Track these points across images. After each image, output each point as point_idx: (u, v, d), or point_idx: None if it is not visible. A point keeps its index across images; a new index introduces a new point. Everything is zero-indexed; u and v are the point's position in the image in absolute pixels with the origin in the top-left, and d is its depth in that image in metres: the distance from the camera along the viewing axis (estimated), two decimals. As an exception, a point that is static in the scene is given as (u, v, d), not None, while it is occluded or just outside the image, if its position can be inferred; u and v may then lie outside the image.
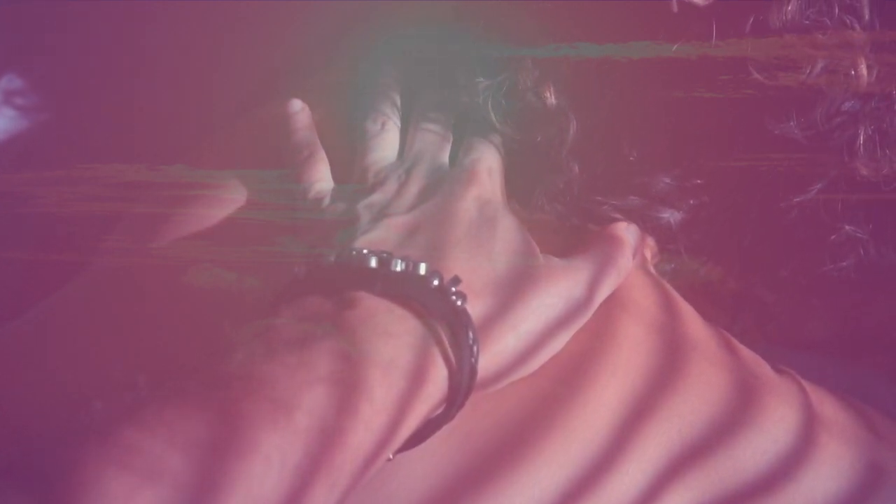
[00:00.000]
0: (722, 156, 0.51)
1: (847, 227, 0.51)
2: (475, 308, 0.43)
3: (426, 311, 0.42)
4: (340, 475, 0.38)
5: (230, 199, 0.51)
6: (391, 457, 0.42)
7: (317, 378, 0.38)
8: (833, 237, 0.51)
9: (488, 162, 0.51)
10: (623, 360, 0.47)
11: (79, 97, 0.70)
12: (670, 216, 0.52)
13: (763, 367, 0.50)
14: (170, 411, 0.36)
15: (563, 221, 0.51)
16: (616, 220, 0.51)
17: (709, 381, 0.48)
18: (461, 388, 0.42)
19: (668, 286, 0.51)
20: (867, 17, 0.47)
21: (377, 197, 0.49)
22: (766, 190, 0.51)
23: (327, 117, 0.55)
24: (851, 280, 0.53)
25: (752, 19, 0.47)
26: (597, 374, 0.47)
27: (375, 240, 0.46)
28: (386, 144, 0.52)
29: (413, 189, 0.49)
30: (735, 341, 0.51)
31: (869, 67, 0.47)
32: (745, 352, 0.50)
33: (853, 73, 0.47)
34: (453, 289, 0.43)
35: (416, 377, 0.41)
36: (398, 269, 0.43)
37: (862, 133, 0.48)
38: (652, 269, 0.52)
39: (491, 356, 0.44)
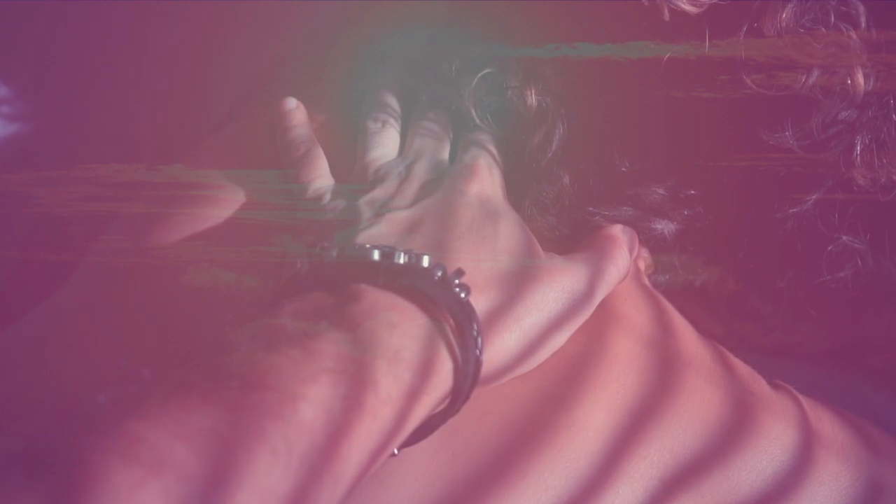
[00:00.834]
0: (716, 166, 0.50)
1: (844, 238, 0.51)
2: (478, 301, 0.44)
3: (430, 303, 0.42)
4: (347, 467, 0.38)
5: (228, 199, 0.52)
6: (396, 452, 0.42)
7: (322, 370, 0.38)
8: (830, 248, 0.51)
9: (488, 158, 0.51)
10: (614, 376, 0.47)
11: (78, 97, 0.70)
12: (664, 227, 0.52)
13: (759, 383, 0.49)
14: (175, 403, 0.36)
15: (554, 232, 0.51)
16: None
17: (703, 399, 0.47)
18: (466, 380, 0.42)
19: (662, 299, 0.51)
20: (863, 25, 0.46)
21: (378, 193, 0.49)
22: (762, 200, 0.51)
23: (325, 116, 0.55)
24: (849, 291, 0.52)
25: (745, 27, 0.46)
26: (586, 391, 0.46)
27: (377, 235, 0.46)
28: (386, 142, 0.53)
29: (414, 185, 0.49)
30: (730, 356, 0.50)
31: (865, 76, 0.46)
32: (741, 367, 0.50)
33: (849, 81, 0.46)
34: (457, 281, 0.43)
35: (422, 369, 0.41)
36: (401, 261, 0.43)
37: (859, 142, 0.48)
38: (646, 281, 0.53)
39: (494, 350, 0.44)
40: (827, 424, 0.49)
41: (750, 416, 0.47)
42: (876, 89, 0.47)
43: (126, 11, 0.69)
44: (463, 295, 0.42)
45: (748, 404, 0.48)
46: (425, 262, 0.43)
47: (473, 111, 0.51)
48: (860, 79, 0.46)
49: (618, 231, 0.51)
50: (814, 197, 0.50)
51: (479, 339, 0.42)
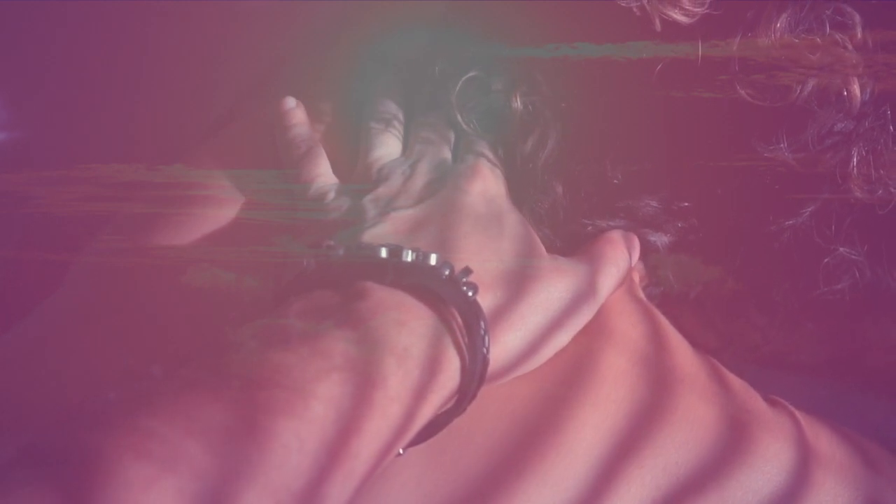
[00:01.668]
0: (709, 178, 0.50)
1: (841, 249, 0.50)
2: (484, 300, 0.44)
3: (438, 301, 0.42)
4: (357, 463, 0.38)
5: (228, 199, 0.52)
6: (401, 451, 0.42)
7: (331, 367, 0.38)
8: (826, 260, 0.50)
9: (491, 158, 0.51)
10: (604, 393, 0.46)
11: (78, 97, 0.70)
12: (657, 239, 0.52)
13: (755, 400, 0.49)
14: (187, 400, 0.36)
15: (550, 244, 0.51)
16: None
17: (696, 417, 0.47)
18: (474, 379, 0.42)
19: (657, 312, 0.51)
20: (859, 35, 0.46)
21: (383, 191, 0.49)
22: (757, 213, 0.50)
23: (325, 116, 0.55)
24: (846, 303, 0.51)
25: (739, 37, 0.46)
26: (575, 409, 0.45)
27: (383, 233, 0.46)
28: (389, 142, 0.53)
29: (418, 184, 0.50)
30: (725, 372, 0.50)
31: (862, 86, 0.46)
32: (736, 383, 0.49)
33: (846, 92, 0.46)
34: (465, 279, 0.43)
35: (430, 367, 0.41)
36: (409, 259, 0.43)
37: (855, 154, 0.47)
38: (641, 294, 0.52)
39: (499, 348, 0.44)
40: (824, 442, 0.49)
41: (745, 435, 0.47)
42: (872, 100, 0.47)
43: (126, 11, 0.69)
44: (470, 293, 0.43)
45: (744, 422, 0.47)
46: (433, 260, 0.43)
47: (459, 116, 0.51)
48: (856, 89, 0.46)
49: (618, 235, 0.51)
50: (810, 209, 0.49)
51: (487, 338, 0.42)
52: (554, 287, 0.47)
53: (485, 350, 0.42)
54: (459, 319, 0.42)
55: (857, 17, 0.46)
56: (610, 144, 0.50)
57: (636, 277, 0.53)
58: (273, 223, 0.50)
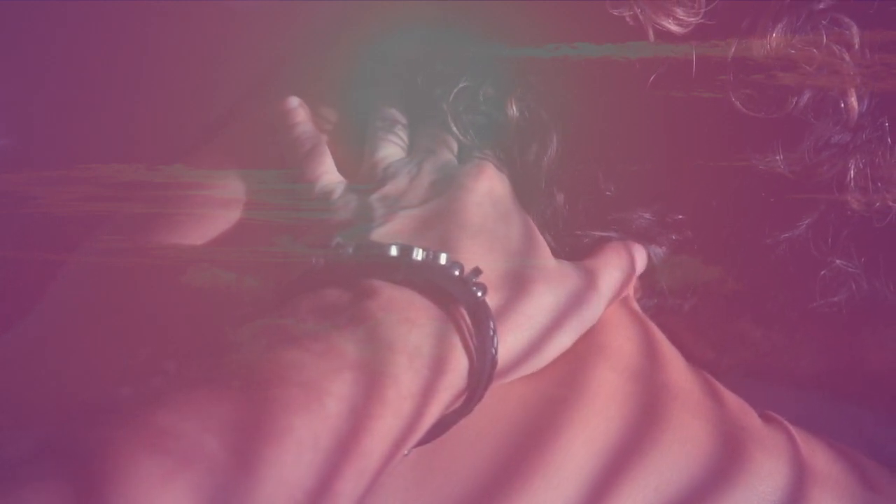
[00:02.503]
0: (704, 190, 0.50)
1: (838, 262, 0.50)
2: (492, 300, 0.44)
3: (448, 300, 0.43)
4: (369, 461, 0.38)
5: (229, 199, 0.52)
6: (406, 452, 0.42)
7: (344, 365, 0.39)
8: (823, 272, 0.50)
9: (495, 159, 0.51)
10: (596, 409, 0.46)
11: (78, 97, 0.70)
12: (652, 251, 0.52)
13: (750, 416, 0.49)
14: (201, 396, 0.36)
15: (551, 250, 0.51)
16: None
17: (690, 434, 0.46)
18: (482, 379, 0.43)
19: (652, 325, 0.51)
20: (857, 46, 0.45)
21: (390, 190, 0.49)
22: (753, 225, 0.50)
23: (325, 116, 0.55)
24: (843, 315, 0.51)
25: (734, 48, 0.46)
26: (564, 426, 0.45)
27: (392, 232, 0.46)
28: (394, 142, 0.53)
29: (424, 183, 0.50)
30: (720, 387, 0.50)
31: (859, 98, 0.46)
32: (731, 399, 0.49)
33: (843, 104, 0.46)
34: (474, 279, 0.43)
35: (440, 366, 0.41)
36: (419, 258, 0.43)
37: (852, 167, 0.47)
38: (636, 306, 0.52)
39: (504, 348, 0.44)
40: (821, 459, 0.49)
41: (740, 453, 0.46)
42: (870, 111, 0.46)
43: (126, 11, 0.69)
44: (480, 294, 0.43)
45: (738, 440, 0.47)
46: (443, 259, 0.43)
47: (454, 127, 0.51)
48: (854, 101, 0.46)
49: (623, 243, 0.51)
50: (806, 222, 0.49)
51: (496, 339, 0.42)
52: (560, 290, 0.47)
53: (493, 351, 0.42)
54: (468, 319, 0.43)
55: (855, 28, 0.45)
56: (604, 156, 0.50)
57: (631, 289, 0.53)
58: (274, 223, 0.50)
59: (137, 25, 0.70)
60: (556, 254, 0.50)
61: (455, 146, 0.53)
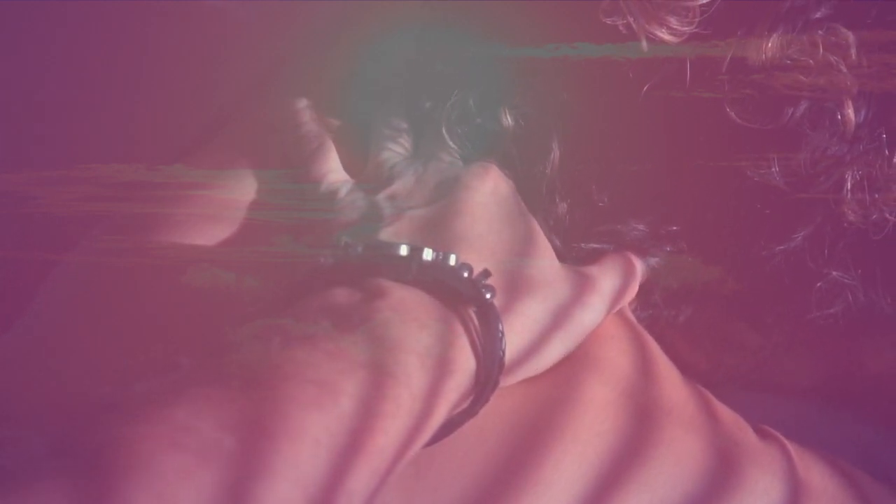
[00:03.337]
0: (699, 201, 0.50)
1: (834, 273, 0.50)
2: (497, 301, 0.44)
3: (457, 301, 0.43)
4: (382, 460, 0.38)
5: (230, 199, 0.52)
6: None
7: (357, 364, 0.39)
8: (819, 284, 0.50)
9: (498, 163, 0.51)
10: (587, 424, 0.45)
11: (78, 97, 0.70)
12: (647, 263, 0.52)
13: (744, 432, 0.48)
14: (218, 393, 0.37)
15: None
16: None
17: (683, 450, 0.46)
18: (489, 382, 0.43)
19: (647, 336, 0.51)
20: (854, 56, 0.45)
21: (397, 189, 0.49)
22: (748, 237, 0.50)
23: (327, 116, 0.55)
24: (839, 327, 0.51)
25: (729, 57, 0.46)
26: (555, 441, 0.45)
27: (400, 232, 0.47)
28: (399, 142, 0.53)
29: (430, 183, 0.50)
30: (715, 402, 0.49)
31: (856, 109, 0.46)
32: (726, 414, 0.49)
33: (839, 116, 0.46)
34: (483, 281, 0.44)
35: (450, 367, 0.41)
36: (429, 258, 0.43)
37: (849, 178, 0.47)
38: (631, 317, 0.52)
39: (510, 350, 0.44)
40: (816, 475, 0.48)
41: (734, 470, 0.46)
42: (867, 122, 0.46)
43: (126, 11, 0.69)
44: (489, 295, 0.43)
45: (733, 456, 0.46)
46: (452, 260, 0.44)
47: (450, 141, 0.51)
48: (850, 112, 0.46)
49: (629, 253, 0.51)
50: (802, 234, 0.49)
51: (504, 341, 0.43)
52: (563, 293, 0.47)
53: (501, 353, 0.43)
54: (476, 321, 0.43)
55: (852, 38, 0.45)
56: (597, 167, 0.50)
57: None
58: (277, 223, 0.50)
59: (137, 25, 0.70)
60: (560, 257, 0.50)
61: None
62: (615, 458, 0.45)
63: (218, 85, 0.68)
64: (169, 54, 0.69)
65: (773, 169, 0.47)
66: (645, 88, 0.47)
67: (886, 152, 0.47)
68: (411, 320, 0.41)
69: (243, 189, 0.52)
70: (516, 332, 0.45)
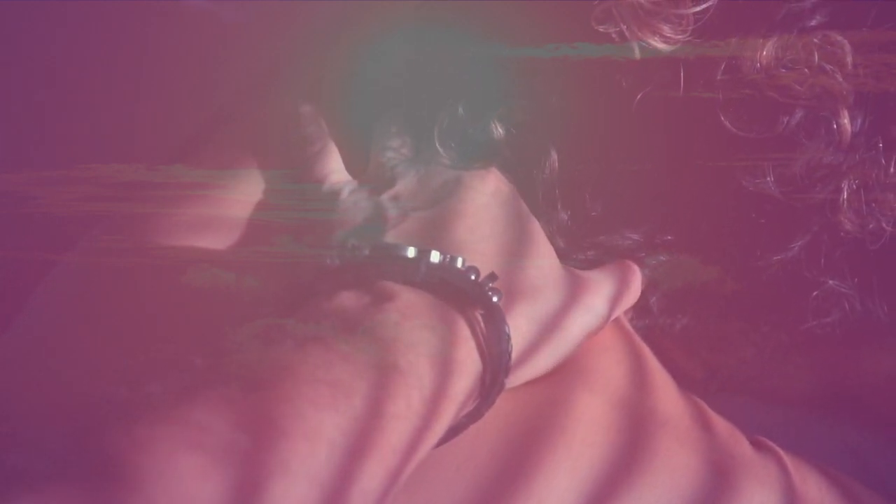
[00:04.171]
0: (694, 211, 0.50)
1: (831, 282, 0.49)
2: (503, 304, 0.44)
3: (465, 304, 0.43)
4: (395, 461, 0.39)
5: (230, 199, 0.52)
6: None
7: (369, 365, 0.39)
8: (816, 293, 0.50)
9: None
10: (580, 437, 0.45)
11: (78, 97, 0.71)
12: (642, 272, 0.52)
13: (740, 444, 0.48)
14: (232, 393, 0.37)
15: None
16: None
17: (678, 463, 0.45)
18: (496, 383, 0.43)
19: (642, 346, 0.51)
20: (850, 64, 0.45)
21: (400, 190, 0.49)
22: (744, 246, 0.50)
23: (325, 117, 0.55)
24: (836, 335, 0.51)
25: (723, 65, 0.46)
26: (547, 454, 0.45)
27: (406, 233, 0.47)
28: (401, 143, 0.53)
29: (434, 184, 0.50)
30: (710, 414, 0.49)
31: (852, 118, 0.46)
32: (721, 426, 0.48)
33: (835, 124, 0.46)
34: (490, 285, 0.44)
35: (460, 369, 0.42)
36: (437, 260, 0.44)
37: (845, 188, 0.47)
38: (627, 326, 0.52)
39: (515, 352, 0.44)
40: (813, 487, 0.48)
41: (729, 483, 0.46)
42: (863, 131, 0.46)
43: (126, 11, 0.69)
44: (496, 299, 0.43)
45: (728, 469, 0.46)
46: (459, 263, 0.44)
47: (443, 154, 0.50)
48: (846, 122, 0.46)
49: (625, 262, 0.51)
50: (798, 244, 0.49)
51: (510, 344, 0.43)
52: (570, 299, 0.47)
53: (508, 356, 0.43)
54: (483, 324, 0.43)
55: (847, 46, 0.45)
56: (591, 177, 0.50)
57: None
58: (277, 223, 0.51)
59: (137, 26, 0.70)
60: (562, 259, 0.50)
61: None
62: (609, 470, 0.45)
63: (218, 85, 0.68)
64: (169, 54, 0.69)
65: (769, 178, 0.47)
66: (638, 97, 0.47)
67: (883, 161, 0.47)
68: (420, 323, 0.42)
69: (244, 189, 0.52)
70: (521, 335, 0.45)
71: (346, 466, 0.37)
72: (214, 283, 0.48)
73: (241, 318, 0.42)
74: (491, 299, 0.43)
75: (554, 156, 0.49)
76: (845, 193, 0.47)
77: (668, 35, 0.45)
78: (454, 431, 0.43)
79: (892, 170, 0.46)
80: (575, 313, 0.47)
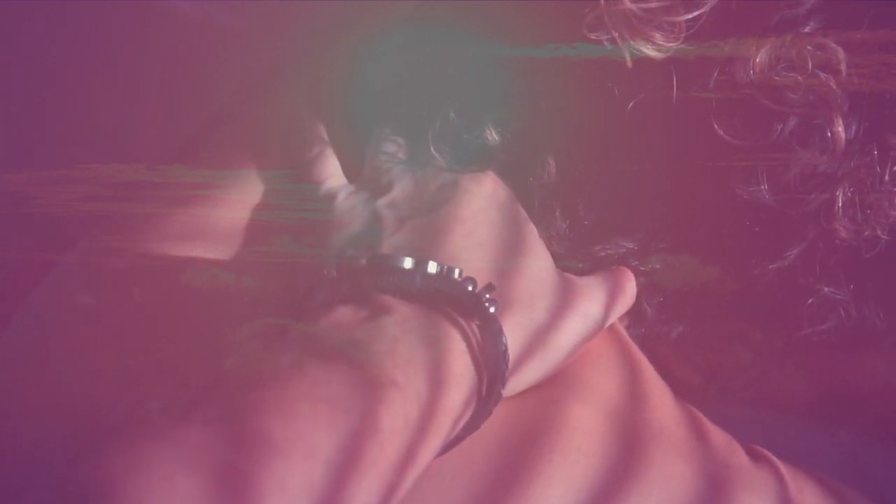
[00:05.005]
0: (689, 220, 0.49)
1: (826, 289, 0.49)
2: (500, 312, 0.44)
3: (462, 315, 0.43)
4: (394, 476, 0.39)
5: (229, 199, 0.52)
6: None
7: (368, 381, 0.39)
8: (811, 300, 0.50)
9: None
10: (574, 447, 0.45)
11: (78, 97, 0.71)
12: (637, 280, 0.51)
13: (736, 455, 0.48)
14: (232, 411, 0.37)
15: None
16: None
17: (673, 474, 0.45)
18: (493, 394, 0.43)
19: (638, 355, 0.50)
20: (844, 72, 0.45)
21: (396, 195, 0.49)
22: (740, 254, 0.49)
23: (324, 117, 0.55)
24: (832, 342, 0.51)
25: (715, 73, 0.45)
26: (541, 464, 0.44)
27: (403, 242, 0.47)
28: (396, 144, 0.53)
29: (431, 188, 0.50)
30: (706, 423, 0.49)
31: (846, 125, 0.45)
32: (717, 436, 0.48)
33: (829, 132, 0.45)
34: (487, 296, 0.44)
35: (457, 383, 0.42)
36: (433, 271, 0.44)
37: (840, 196, 0.47)
38: (624, 334, 0.52)
39: (512, 361, 0.44)
40: (809, 497, 0.48)
41: (725, 494, 0.45)
42: (858, 139, 0.46)
43: (126, 12, 0.69)
44: (492, 310, 0.43)
45: (723, 480, 0.46)
46: (457, 273, 0.44)
47: (439, 158, 0.50)
48: (840, 130, 0.45)
49: (619, 269, 0.51)
50: (794, 252, 0.48)
51: (507, 355, 0.43)
52: (568, 307, 0.47)
53: (504, 367, 0.43)
54: (480, 334, 0.43)
55: (841, 53, 0.45)
56: (585, 185, 0.50)
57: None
58: (276, 223, 0.51)
59: (137, 26, 0.70)
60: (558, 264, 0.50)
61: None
62: (604, 480, 0.45)
63: (218, 86, 0.68)
64: (169, 54, 0.69)
65: (763, 186, 0.47)
66: (630, 105, 0.47)
67: (878, 169, 0.46)
68: (417, 337, 0.41)
69: (243, 189, 0.52)
70: (517, 344, 0.45)
71: (343, 484, 0.36)
72: (213, 284, 0.48)
73: (239, 320, 0.42)
74: (488, 310, 0.43)
75: (551, 161, 0.49)
76: (840, 201, 0.47)
77: (661, 42, 0.45)
78: (452, 443, 0.43)
79: (886, 177, 0.46)
80: (570, 321, 0.47)
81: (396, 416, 0.39)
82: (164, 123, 0.69)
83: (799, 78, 0.45)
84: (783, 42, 0.45)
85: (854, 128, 0.46)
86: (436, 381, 0.41)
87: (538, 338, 0.46)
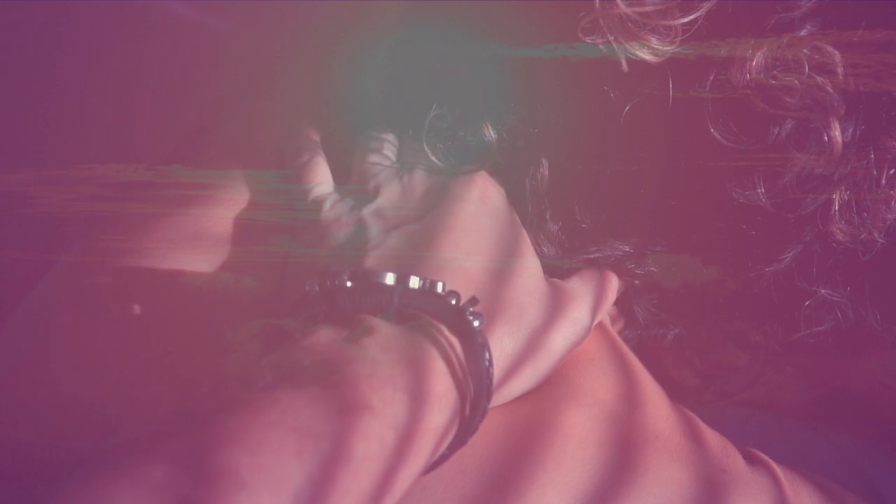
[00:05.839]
0: (686, 222, 0.49)
1: (823, 292, 0.49)
2: (485, 324, 0.44)
3: (446, 331, 0.42)
4: (386, 498, 0.38)
5: (227, 199, 0.52)
6: None
7: (341, 407, 0.38)
8: (808, 302, 0.49)
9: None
10: (570, 452, 0.45)
11: (78, 97, 0.71)
12: (633, 283, 0.52)
13: (732, 459, 0.48)
14: (197, 444, 0.36)
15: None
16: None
17: (669, 478, 0.45)
18: (478, 409, 0.42)
19: (632, 359, 0.50)
20: (840, 75, 0.44)
21: (383, 202, 0.49)
22: (736, 257, 0.49)
23: (319, 118, 0.55)
24: (829, 344, 0.50)
25: (712, 76, 0.45)
26: (537, 470, 0.44)
27: (388, 255, 0.46)
28: (384, 148, 0.53)
29: (418, 193, 0.49)
30: (702, 427, 0.49)
31: (843, 128, 0.45)
32: (713, 440, 0.48)
33: (826, 135, 0.45)
34: (471, 309, 0.43)
35: (440, 403, 0.41)
36: (415, 286, 0.43)
37: (837, 199, 0.46)
38: (616, 337, 0.52)
39: (499, 373, 0.44)
40: (806, 499, 0.48)
41: (721, 499, 0.45)
42: (854, 142, 0.45)
43: (126, 12, 0.69)
44: (476, 323, 0.43)
45: (719, 484, 0.46)
46: (439, 288, 0.43)
47: (432, 156, 0.50)
48: (837, 134, 0.45)
49: (598, 270, 0.51)
50: (790, 254, 0.48)
51: (492, 370, 0.42)
52: (557, 315, 0.47)
53: (489, 382, 0.42)
54: (463, 349, 0.42)
55: (838, 56, 0.44)
56: (581, 189, 0.49)
57: (607, 320, 0.53)
58: (271, 223, 0.51)
59: (137, 26, 0.70)
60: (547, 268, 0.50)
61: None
62: (599, 486, 0.44)
63: (217, 85, 0.68)
64: (168, 54, 0.69)
65: (760, 189, 0.47)
66: (626, 109, 0.47)
67: (874, 172, 0.46)
68: (398, 357, 0.40)
69: (242, 189, 0.52)
70: (506, 354, 0.45)
71: None
72: (208, 283, 0.48)
73: (237, 321, 0.42)
74: (471, 325, 0.42)
75: (545, 162, 0.49)
76: (837, 204, 0.47)
77: (656, 46, 0.45)
78: (438, 461, 0.42)
79: (883, 180, 0.46)
80: (559, 327, 0.47)
81: (370, 441, 0.38)
82: (162, 124, 0.69)
83: (795, 81, 0.45)
84: (779, 45, 0.45)
85: (850, 130, 0.46)
86: (416, 401, 0.40)
87: (528, 346, 0.45)
